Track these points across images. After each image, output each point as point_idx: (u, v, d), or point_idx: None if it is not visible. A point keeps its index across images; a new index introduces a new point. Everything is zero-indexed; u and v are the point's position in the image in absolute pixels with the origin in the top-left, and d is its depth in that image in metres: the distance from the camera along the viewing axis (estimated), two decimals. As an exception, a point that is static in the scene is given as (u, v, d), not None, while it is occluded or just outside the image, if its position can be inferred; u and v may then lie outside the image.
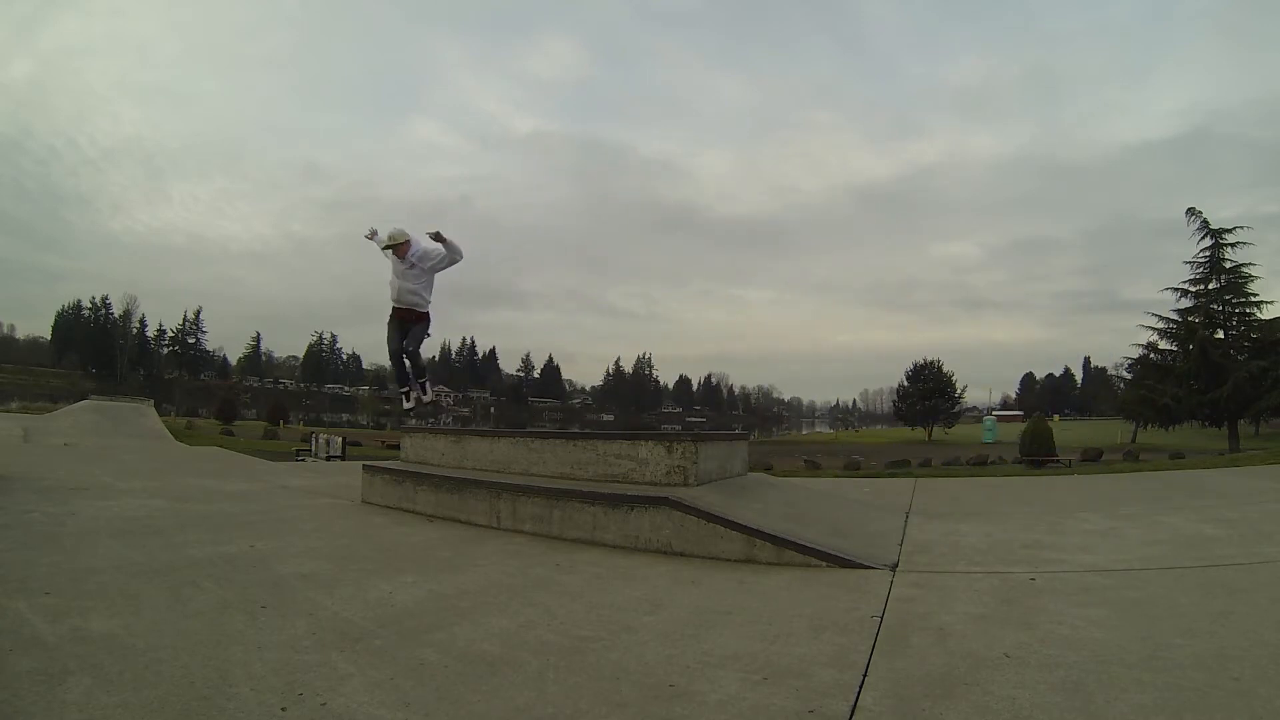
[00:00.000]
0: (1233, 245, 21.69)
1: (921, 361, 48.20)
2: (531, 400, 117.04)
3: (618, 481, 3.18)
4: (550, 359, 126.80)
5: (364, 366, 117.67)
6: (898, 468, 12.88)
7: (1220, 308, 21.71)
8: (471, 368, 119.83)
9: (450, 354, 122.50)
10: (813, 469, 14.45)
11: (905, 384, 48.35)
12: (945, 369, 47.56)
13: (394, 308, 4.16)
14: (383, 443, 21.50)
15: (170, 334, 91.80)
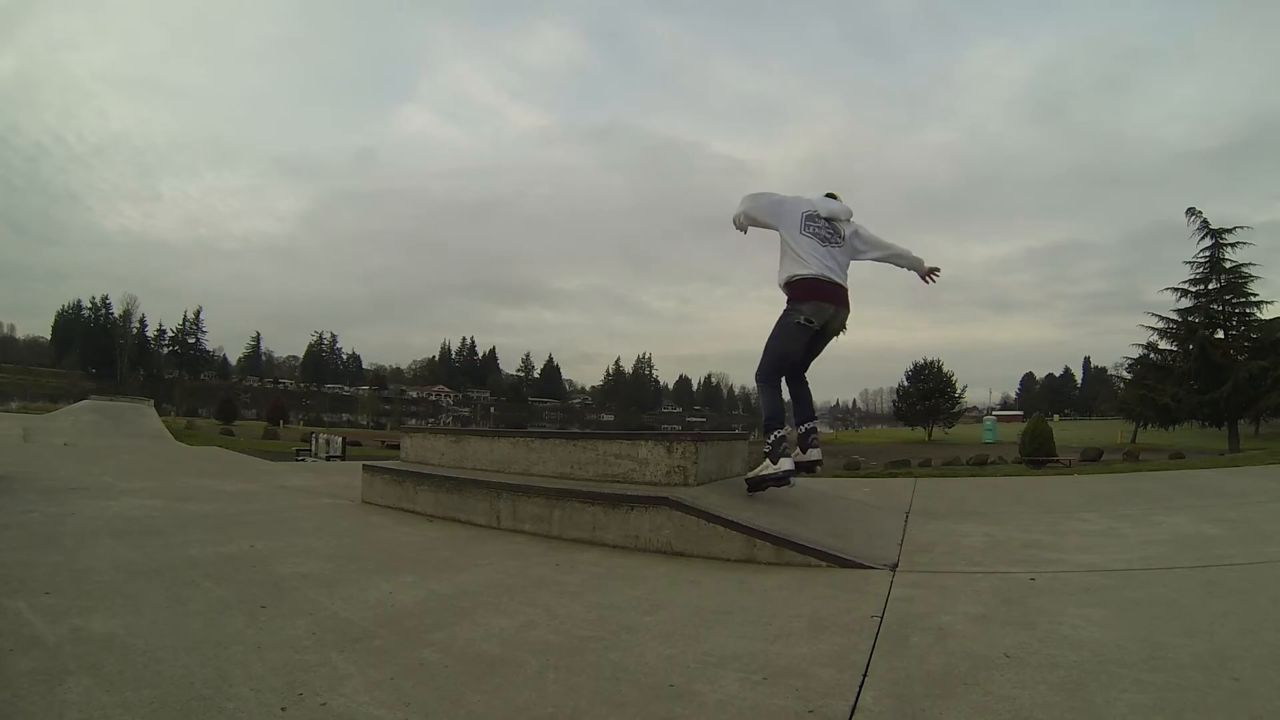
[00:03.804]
0: (1233, 245, 21.67)
1: (921, 361, 48.29)
2: (532, 400, 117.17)
3: (618, 481, 3.18)
4: (550, 359, 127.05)
5: (364, 366, 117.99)
6: (898, 468, 12.88)
7: (1220, 308, 21.68)
8: (471, 368, 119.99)
9: (450, 354, 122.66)
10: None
11: (905, 384, 48.43)
12: (945, 369, 47.56)
13: None
14: (383, 443, 21.56)
15: (170, 334, 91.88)
